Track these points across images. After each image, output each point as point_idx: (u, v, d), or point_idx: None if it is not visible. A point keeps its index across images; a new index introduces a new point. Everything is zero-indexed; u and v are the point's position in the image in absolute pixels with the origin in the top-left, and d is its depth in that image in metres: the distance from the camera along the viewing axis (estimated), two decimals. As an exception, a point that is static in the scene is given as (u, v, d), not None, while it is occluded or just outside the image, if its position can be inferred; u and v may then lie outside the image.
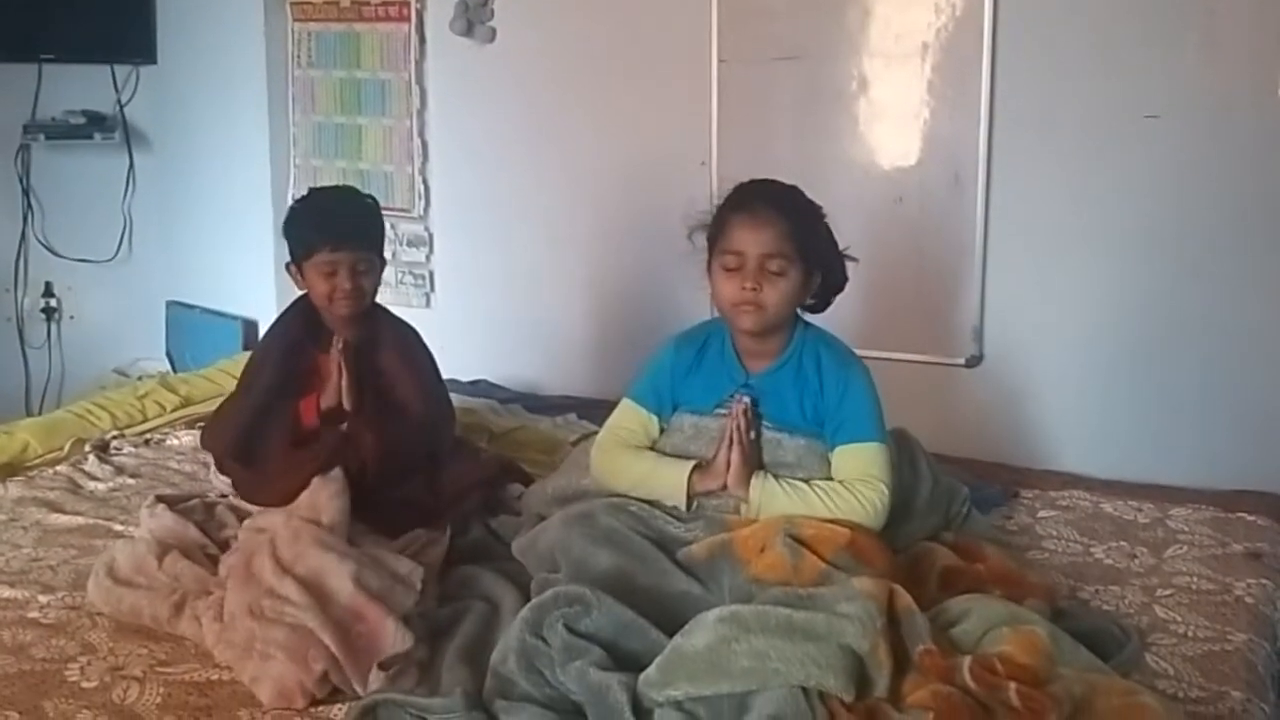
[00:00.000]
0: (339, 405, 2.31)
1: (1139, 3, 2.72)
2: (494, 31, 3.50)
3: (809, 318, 2.16)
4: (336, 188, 2.65)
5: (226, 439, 2.40)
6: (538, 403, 3.29)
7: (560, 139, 3.47)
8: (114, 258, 4.30)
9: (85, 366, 4.30)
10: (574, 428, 3.01)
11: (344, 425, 2.30)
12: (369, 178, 3.74)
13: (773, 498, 2.01)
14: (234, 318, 4.03)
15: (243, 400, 2.43)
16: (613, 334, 3.40)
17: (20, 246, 4.28)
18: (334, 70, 3.80)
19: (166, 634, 1.99)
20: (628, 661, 1.72)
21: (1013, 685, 1.63)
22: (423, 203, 3.73)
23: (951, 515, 2.33)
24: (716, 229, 2.09)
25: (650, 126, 3.31)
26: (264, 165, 3.91)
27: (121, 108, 4.23)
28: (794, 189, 2.11)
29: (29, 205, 4.26)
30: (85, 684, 1.83)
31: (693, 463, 2.07)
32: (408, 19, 3.63)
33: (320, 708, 1.79)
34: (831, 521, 1.96)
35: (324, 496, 2.13)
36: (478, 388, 3.38)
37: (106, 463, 2.81)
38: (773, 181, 2.11)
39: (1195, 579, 2.20)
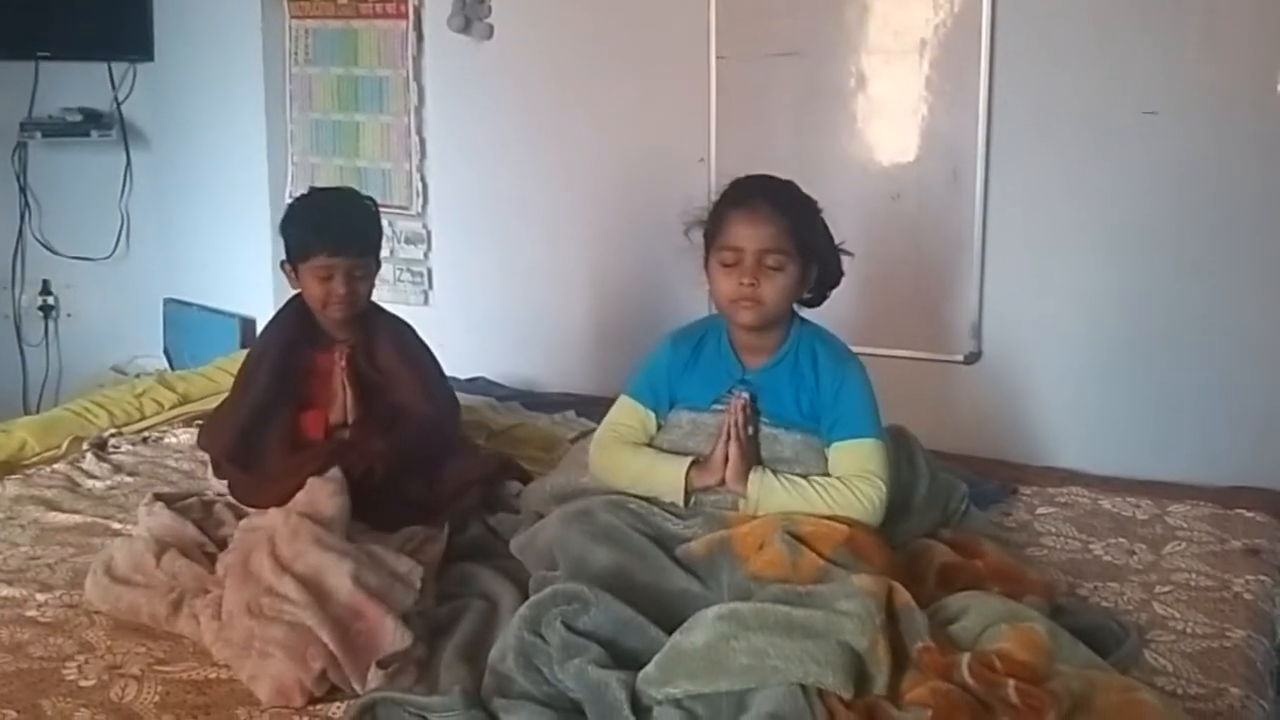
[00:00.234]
0: (345, 420, 2.33)
1: (1138, -2, 2.72)
2: (492, 28, 3.50)
3: (805, 313, 2.16)
4: (336, 189, 2.64)
5: (224, 440, 2.40)
6: (536, 400, 3.29)
7: (558, 136, 3.46)
8: (111, 255, 4.29)
9: (83, 364, 4.29)
10: (572, 425, 3.01)
11: (346, 433, 2.31)
12: (367, 175, 3.74)
13: (771, 493, 2.01)
14: (232, 315, 4.03)
15: (240, 401, 2.43)
16: (611, 330, 3.40)
17: (18, 244, 4.28)
18: (331, 67, 3.79)
19: (164, 632, 1.99)
20: (626, 659, 1.72)
21: (1011, 682, 1.64)
22: (420, 200, 3.72)
23: (950, 512, 2.34)
24: (714, 225, 2.08)
25: (649, 123, 3.31)
26: (261, 163, 3.91)
27: (119, 105, 4.22)
28: (790, 184, 2.11)
29: (26, 203, 4.26)
30: (83, 682, 1.83)
31: (691, 459, 2.07)
32: (405, 16, 3.62)
33: (319, 706, 1.79)
34: (830, 518, 1.96)
35: (322, 495, 2.13)
36: (476, 385, 3.38)
37: (104, 461, 2.81)
38: (769, 177, 2.11)
39: (1194, 575, 2.20)
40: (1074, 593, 2.13)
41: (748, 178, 2.12)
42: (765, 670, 1.63)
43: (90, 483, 2.69)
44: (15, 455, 2.83)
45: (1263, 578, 2.18)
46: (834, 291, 2.17)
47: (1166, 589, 2.14)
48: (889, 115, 2.99)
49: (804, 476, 2.03)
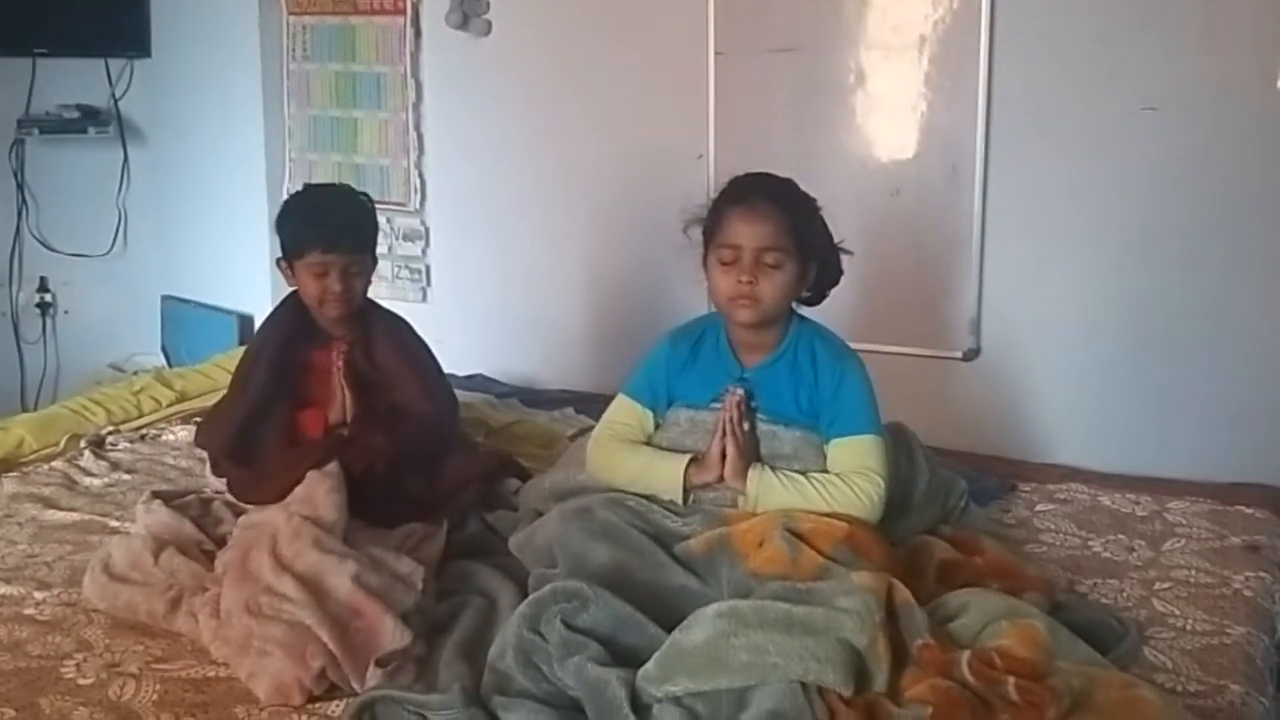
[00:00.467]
0: (344, 419, 2.33)
1: (1137, -6, 2.71)
2: (489, 24, 3.49)
3: (804, 311, 2.16)
4: (331, 186, 2.63)
5: (222, 437, 2.40)
6: (534, 397, 3.28)
7: (556, 132, 3.46)
8: (109, 252, 4.29)
9: (80, 362, 4.29)
10: (571, 422, 3.01)
11: (345, 431, 2.31)
12: (364, 171, 3.74)
13: (770, 489, 2.01)
14: (229, 312, 4.02)
15: (238, 398, 2.42)
16: (609, 328, 3.40)
17: (15, 241, 4.27)
18: (329, 63, 3.79)
19: (163, 630, 1.98)
20: (626, 657, 1.72)
21: (1011, 679, 1.63)
22: (418, 196, 3.72)
23: (949, 509, 2.33)
24: (712, 222, 2.08)
25: (647, 119, 3.30)
26: (259, 159, 3.90)
27: (116, 101, 4.21)
28: (789, 181, 2.10)
29: (23, 200, 4.25)
30: (81, 681, 1.82)
31: (689, 456, 2.07)
32: (403, 12, 3.61)
33: (317, 704, 1.79)
34: (829, 515, 1.96)
35: (320, 491, 2.13)
36: (474, 382, 3.37)
37: (102, 458, 2.81)
38: (768, 174, 2.11)
39: (1193, 572, 2.20)
40: (1073, 589, 2.13)
41: (747, 175, 2.11)
42: (765, 667, 1.63)
43: (88, 480, 2.69)
44: (13, 453, 2.83)
45: (1262, 574, 2.18)
46: (833, 289, 2.16)
47: (1166, 585, 2.14)
48: (888, 111, 2.98)
49: (803, 473, 2.03)
